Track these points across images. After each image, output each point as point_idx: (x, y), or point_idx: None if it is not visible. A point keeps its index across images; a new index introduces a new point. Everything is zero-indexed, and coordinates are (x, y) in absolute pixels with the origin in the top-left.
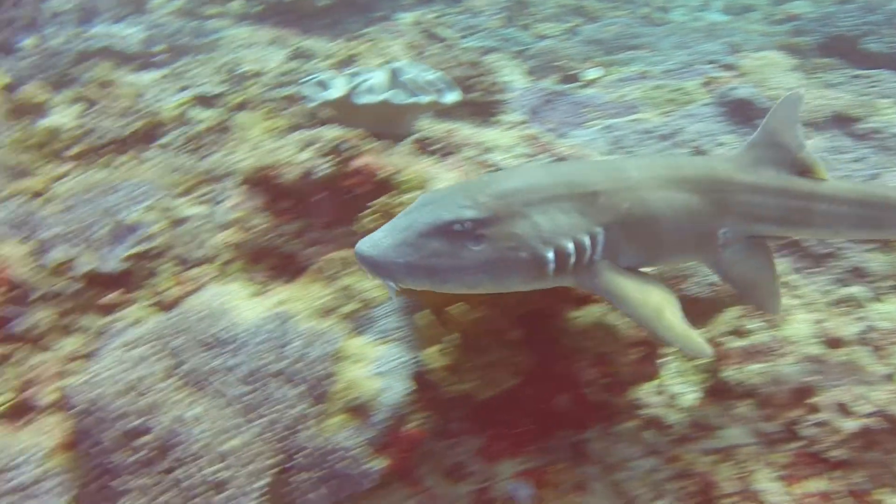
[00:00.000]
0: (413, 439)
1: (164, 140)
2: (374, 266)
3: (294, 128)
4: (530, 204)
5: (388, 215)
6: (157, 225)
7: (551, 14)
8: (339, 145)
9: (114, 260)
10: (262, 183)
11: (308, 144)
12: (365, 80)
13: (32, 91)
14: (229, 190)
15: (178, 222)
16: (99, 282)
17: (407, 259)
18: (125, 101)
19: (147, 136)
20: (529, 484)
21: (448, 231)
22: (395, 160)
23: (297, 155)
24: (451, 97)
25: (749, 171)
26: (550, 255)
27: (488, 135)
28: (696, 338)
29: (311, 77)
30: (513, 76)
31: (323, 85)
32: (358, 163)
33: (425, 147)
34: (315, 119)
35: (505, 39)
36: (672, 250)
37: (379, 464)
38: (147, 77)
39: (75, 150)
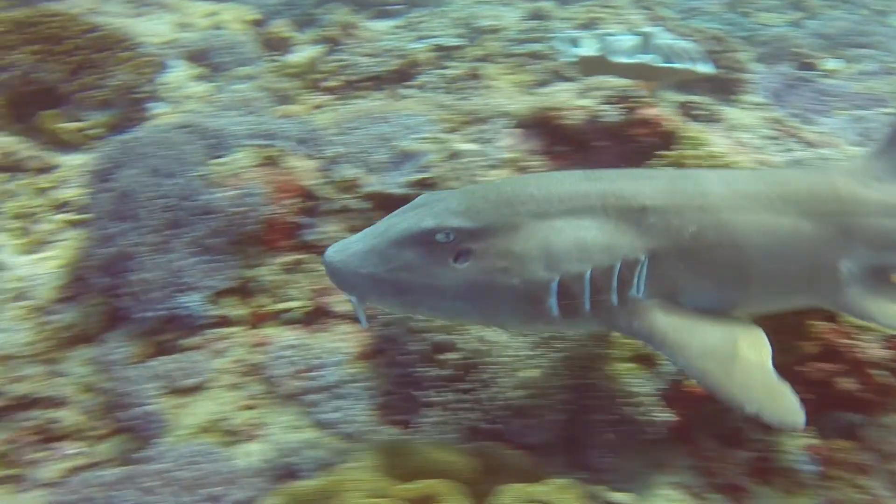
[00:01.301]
0: (695, 397)
1: (419, 80)
2: (335, 276)
3: (540, 83)
4: (544, 216)
5: (680, 166)
6: (435, 156)
7: (771, 6)
8: (626, 94)
9: (395, 184)
10: (540, 126)
11: (586, 91)
12: (618, 41)
13: (279, 27)
14: (501, 131)
15: (453, 156)
16: (382, 202)
17: (371, 270)
18: (368, 45)
19: (402, 75)
20: (817, 459)
21: (427, 241)
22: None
23: (577, 100)
24: (705, 68)
25: (878, 186)
26: (553, 285)
27: (730, 113)
28: (786, 399)
29: (559, 34)
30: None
31: (574, 42)
32: (646, 112)
33: (687, 111)
34: (560, 76)
35: (730, 23)
36: (770, 290)
37: (666, 416)
38: (382, 25)
39: (332, 82)
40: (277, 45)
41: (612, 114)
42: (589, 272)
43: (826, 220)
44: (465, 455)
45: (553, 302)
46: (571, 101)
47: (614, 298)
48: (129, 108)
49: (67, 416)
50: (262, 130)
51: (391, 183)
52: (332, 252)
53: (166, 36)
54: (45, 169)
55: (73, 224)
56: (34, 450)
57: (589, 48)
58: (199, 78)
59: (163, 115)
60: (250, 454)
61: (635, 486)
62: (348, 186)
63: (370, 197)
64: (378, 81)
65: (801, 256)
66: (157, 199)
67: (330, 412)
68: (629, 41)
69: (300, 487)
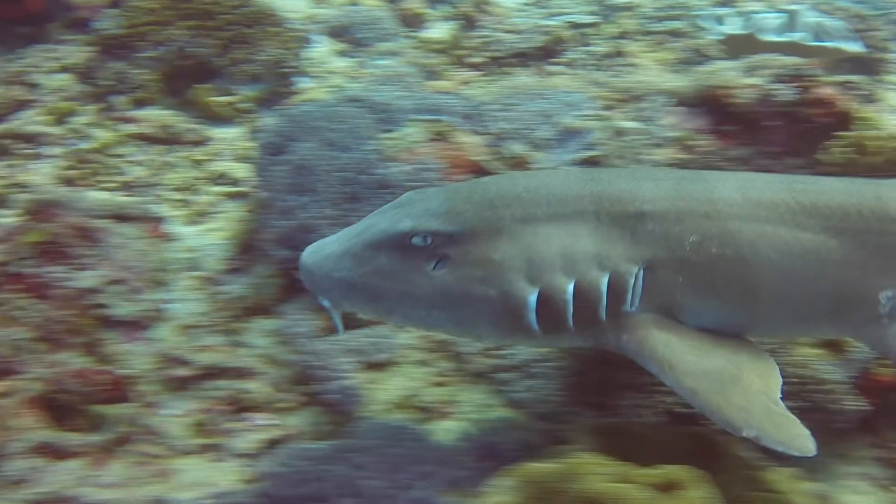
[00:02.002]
0: (883, 386)
1: (566, 57)
2: (307, 279)
3: (683, 61)
4: (529, 220)
5: (860, 149)
6: (600, 133)
7: None
8: (800, 72)
9: (563, 161)
10: (705, 104)
11: (753, 69)
12: (765, 19)
13: (412, 3)
14: (661, 109)
15: (618, 134)
16: None
17: (344, 275)
18: (502, 22)
19: (548, 52)
20: None
21: (403, 245)
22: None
23: (745, 79)
24: (855, 47)
25: None
26: (531, 297)
27: (887, 94)
28: (793, 426)
29: (703, 11)
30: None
31: (720, 20)
32: (822, 92)
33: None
34: (701, 55)
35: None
36: (783, 315)
37: (857, 405)
38: (512, 2)
39: (477, 58)
40: (412, 22)
41: (786, 92)
42: (572, 285)
43: (863, 240)
44: (682, 439)
45: (531, 318)
46: (738, 79)
47: (602, 313)
48: (276, 83)
49: (256, 388)
50: (427, 105)
51: (559, 160)
52: (308, 253)
53: (306, 11)
54: (200, 142)
55: (231, 196)
56: (228, 420)
57: (735, 26)
58: (342, 53)
59: (310, 90)
60: (449, 432)
61: (823, 477)
62: (518, 163)
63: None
64: (523, 58)
65: (824, 280)
66: (335, 172)
67: (522, 391)
68: (776, 19)
69: (533, 469)
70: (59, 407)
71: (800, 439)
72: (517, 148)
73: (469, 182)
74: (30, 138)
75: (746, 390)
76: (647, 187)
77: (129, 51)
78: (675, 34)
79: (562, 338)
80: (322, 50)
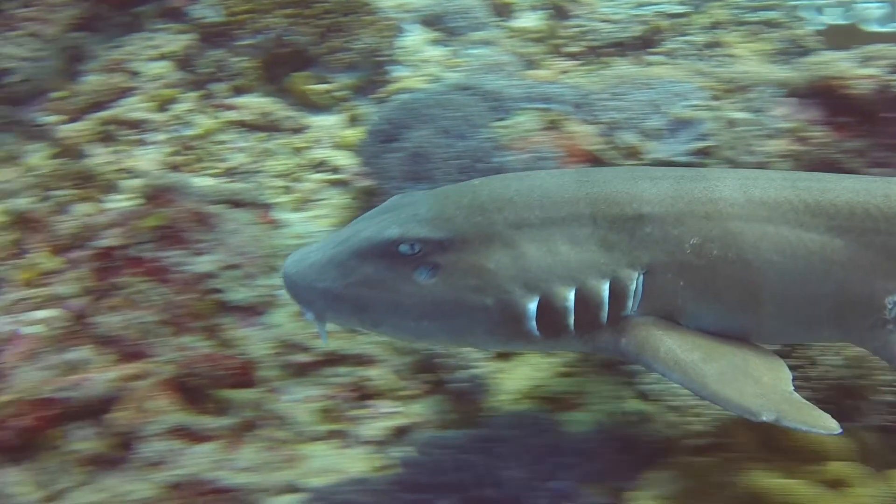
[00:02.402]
0: None
1: (665, 47)
2: (290, 289)
3: (781, 52)
4: (522, 225)
5: None
6: (712, 124)
7: None
8: None
9: (677, 152)
10: (819, 95)
11: (867, 60)
12: (867, 9)
13: None
14: (771, 100)
15: (729, 124)
16: None
17: (328, 285)
18: (594, 11)
19: (646, 42)
20: None
21: (390, 253)
22: None
23: (861, 69)
24: None
25: None
26: (532, 305)
27: None
28: (813, 410)
29: (802, 1)
30: None
31: (820, 10)
32: None
33: None
34: (800, 45)
35: None
36: (787, 318)
37: None
38: None
39: (573, 48)
40: (502, 11)
41: None
42: (573, 292)
43: (869, 240)
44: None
45: (531, 325)
46: (854, 69)
47: (603, 318)
48: (372, 71)
49: (377, 375)
50: (536, 94)
51: (672, 151)
52: (290, 262)
53: (398, 0)
54: (299, 129)
55: (332, 183)
56: (352, 407)
57: (836, 16)
58: (435, 42)
59: (405, 78)
60: (581, 423)
61: None
62: (631, 153)
63: (656, 164)
64: (621, 48)
65: (829, 282)
66: (452, 160)
67: (651, 383)
68: (878, 9)
69: (692, 462)
70: (189, 390)
71: (823, 419)
72: (629, 138)
73: (458, 185)
74: (134, 125)
75: (758, 381)
76: (644, 188)
77: (227, 39)
78: (771, 24)
79: (562, 342)
80: (415, 39)
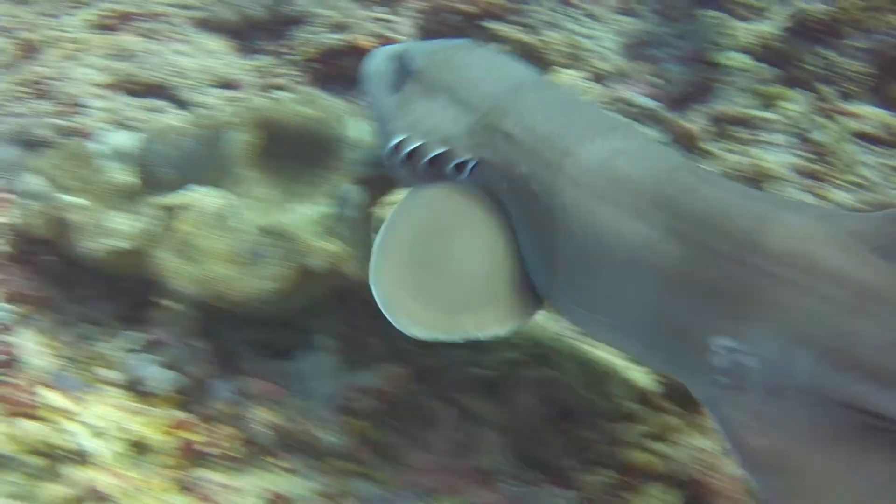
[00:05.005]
0: None
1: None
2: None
3: None
4: (444, 90)
5: None
6: None
7: None
8: None
9: None
10: None
11: None
12: None
13: None
14: None
15: None
16: None
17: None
18: None
19: None
20: None
21: (404, 63)
22: None
23: None
24: None
25: (869, 260)
26: (397, 139)
27: None
28: None
29: None
30: None
31: None
32: None
33: None
34: None
35: None
36: (607, 319)
37: None
38: None
39: None
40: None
41: None
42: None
43: (713, 260)
44: None
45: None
46: None
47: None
48: None
49: None
50: None
51: None
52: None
53: None
54: None
55: None
56: None
57: None
58: None
59: None
60: None
61: None
62: None
63: None
64: None
65: (654, 291)
66: None
67: None
68: None
69: None
70: None
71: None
72: None
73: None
74: (745, 122)
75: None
76: (525, 105)
77: (835, 37)
78: None
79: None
80: None
